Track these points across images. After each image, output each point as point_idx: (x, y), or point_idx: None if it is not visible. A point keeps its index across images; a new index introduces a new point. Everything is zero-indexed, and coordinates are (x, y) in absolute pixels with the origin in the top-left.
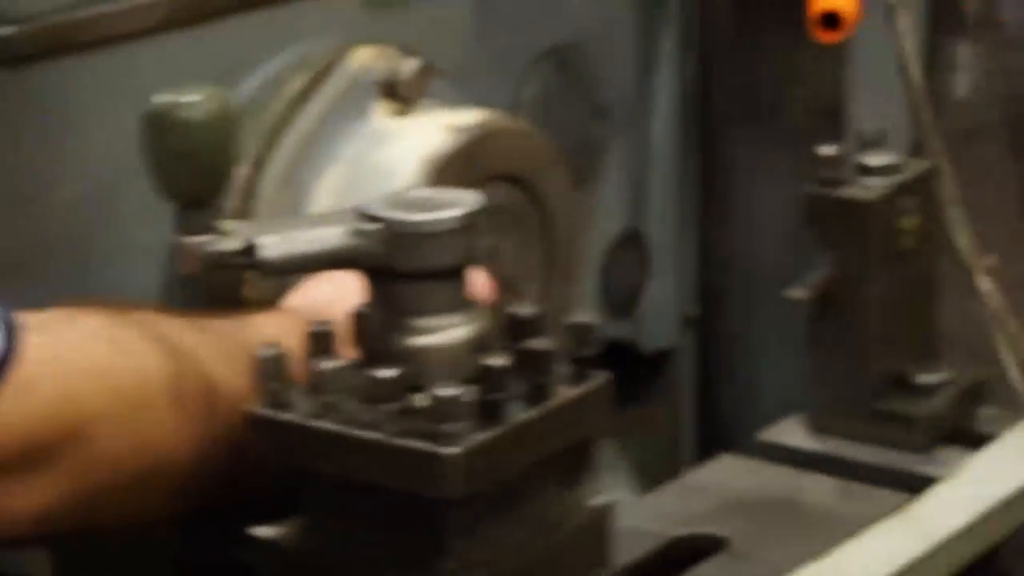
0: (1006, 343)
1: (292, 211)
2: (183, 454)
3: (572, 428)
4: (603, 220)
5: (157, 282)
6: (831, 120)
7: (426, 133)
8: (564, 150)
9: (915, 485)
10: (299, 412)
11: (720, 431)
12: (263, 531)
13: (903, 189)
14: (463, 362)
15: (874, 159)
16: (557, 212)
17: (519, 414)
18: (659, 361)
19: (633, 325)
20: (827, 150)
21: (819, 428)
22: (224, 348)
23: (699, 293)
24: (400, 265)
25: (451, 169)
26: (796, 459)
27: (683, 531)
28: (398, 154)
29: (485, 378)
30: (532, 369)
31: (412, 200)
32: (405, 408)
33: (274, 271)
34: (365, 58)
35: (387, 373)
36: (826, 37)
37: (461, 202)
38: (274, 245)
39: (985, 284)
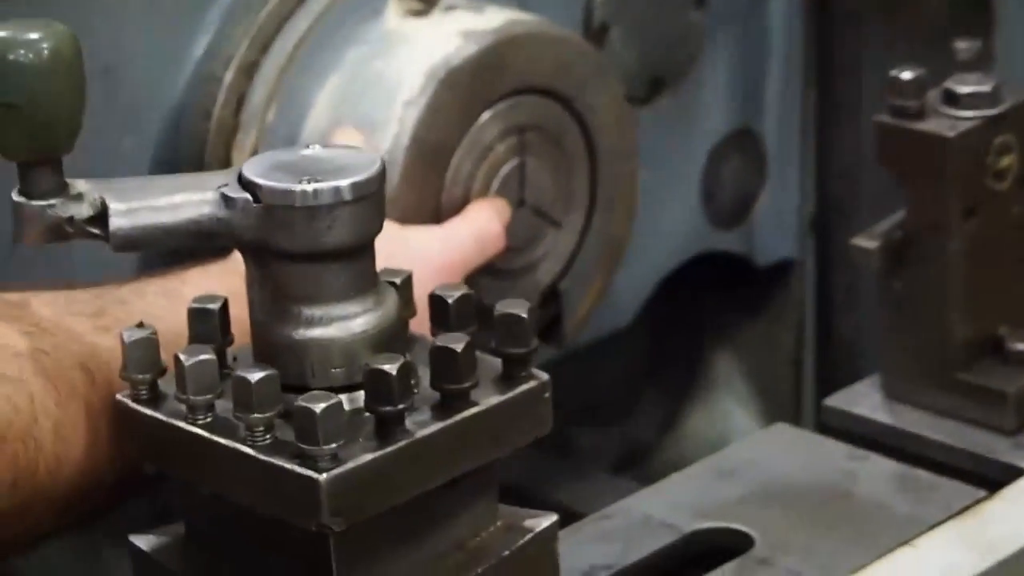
0: None
1: (286, 125)
2: (67, 471)
3: (493, 443)
4: (707, 118)
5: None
6: (977, 14)
7: (439, 39)
8: (658, 40)
9: (996, 475)
10: (166, 409)
11: (842, 357)
12: (140, 539)
13: (997, 123)
14: (360, 361)
15: (964, 85)
16: (602, 130)
17: (419, 429)
18: (777, 274)
19: (745, 235)
20: (905, 71)
21: (895, 396)
22: (109, 322)
23: (818, 203)
24: (278, 244)
25: (465, 81)
26: (862, 431)
27: (705, 524)
28: (404, 63)
29: (372, 384)
30: (442, 371)
31: (299, 162)
32: (286, 413)
33: (124, 245)
34: None
35: (257, 374)
36: None
37: (359, 165)
38: (124, 214)
39: None
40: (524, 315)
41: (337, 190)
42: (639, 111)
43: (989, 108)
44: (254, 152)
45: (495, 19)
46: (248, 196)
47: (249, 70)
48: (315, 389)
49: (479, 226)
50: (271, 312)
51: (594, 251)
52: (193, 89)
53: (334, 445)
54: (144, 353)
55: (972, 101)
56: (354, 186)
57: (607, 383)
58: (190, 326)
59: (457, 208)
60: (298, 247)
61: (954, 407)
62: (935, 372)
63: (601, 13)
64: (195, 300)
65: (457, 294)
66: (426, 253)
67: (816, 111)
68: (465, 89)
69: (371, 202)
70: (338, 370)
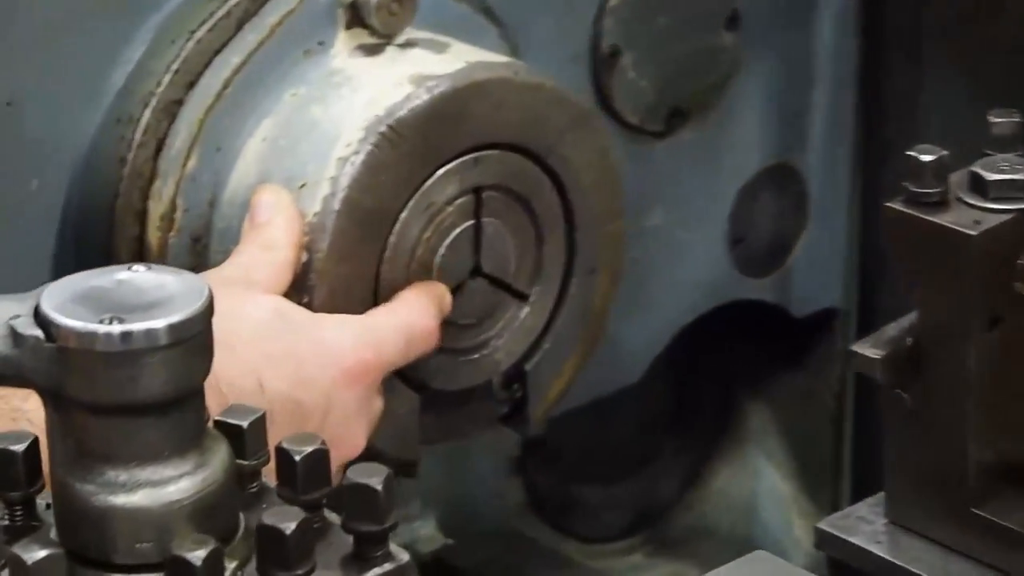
0: None
1: (210, 174)
2: None
3: None
4: (737, 153)
5: None
6: None
7: (387, 83)
8: (679, 67)
9: None
10: None
11: None
12: None
13: None
14: (175, 535)
15: (994, 170)
16: (581, 189)
17: None
18: (818, 323)
19: (780, 283)
20: (924, 153)
21: (900, 523)
22: None
23: (863, 245)
24: (74, 393)
25: (413, 136)
26: (858, 563)
27: None
28: (343, 110)
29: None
30: (269, 555)
31: (113, 290)
32: None
33: None
34: None
35: (38, 553)
36: None
37: (183, 299)
38: None
39: None
40: (377, 487)
41: (149, 333)
42: (655, 145)
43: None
44: (172, 205)
45: (456, 61)
46: (40, 334)
47: (170, 109)
48: (118, 567)
49: (407, 319)
50: (72, 470)
51: (569, 325)
52: (107, 129)
53: None
54: None
55: (1003, 190)
56: (171, 328)
57: (622, 434)
58: None
59: (401, 284)
60: (98, 399)
61: (967, 545)
62: (947, 502)
63: (611, 36)
64: None
65: (308, 449)
66: (337, 348)
67: (864, 146)
68: (413, 145)
69: (193, 346)
70: (146, 545)
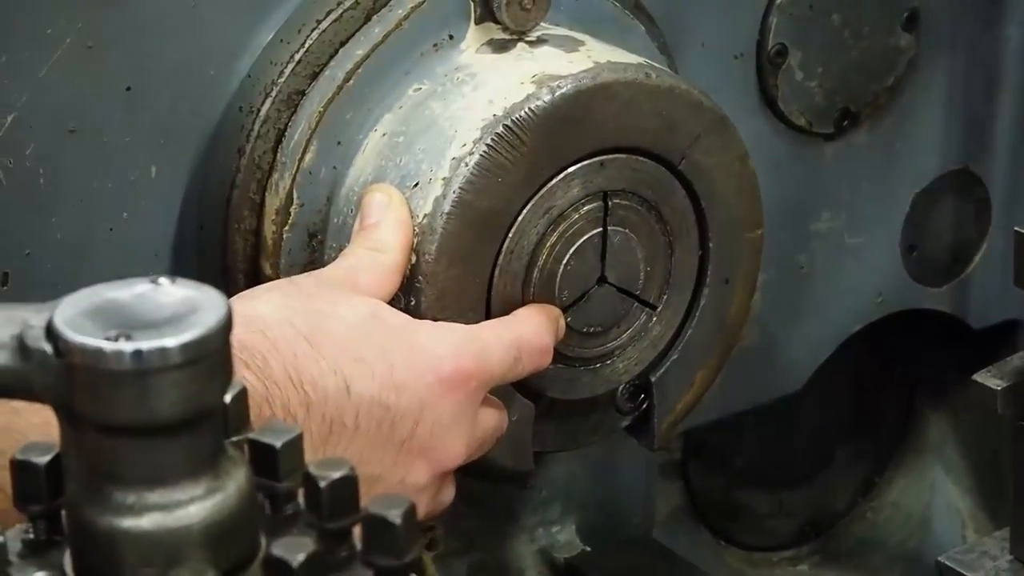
0: None
1: (327, 170)
2: None
3: None
4: (914, 157)
5: None
6: None
7: (510, 82)
8: (850, 67)
9: None
10: None
11: None
12: None
13: None
14: (180, 561)
15: None
16: (716, 197)
17: None
18: (1003, 333)
19: (959, 292)
20: None
21: None
22: None
23: None
24: (82, 411)
25: (533, 137)
26: None
27: None
28: (462, 108)
29: None
30: None
31: (129, 304)
32: None
33: None
34: None
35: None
36: None
37: (202, 315)
38: None
39: None
40: (396, 521)
41: (157, 351)
42: (824, 148)
43: None
44: (288, 198)
45: (585, 61)
46: (48, 348)
47: (292, 100)
48: None
49: (519, 332)
50: (82, 489)
51: (700, 336)
52: (229, 118)
53: None
54: None
55: None
56: (184, 347)
57: (796, 441)
58: (13, 482)
59: (518, 291)
60: (105, 418)
61: None
62: None
63: (778, 35)
64: (21, 450)
65: (335, 475)
66: (433, 354)
67: None
68: (532, 146)
69: (208, 366)
70: (153, 570)
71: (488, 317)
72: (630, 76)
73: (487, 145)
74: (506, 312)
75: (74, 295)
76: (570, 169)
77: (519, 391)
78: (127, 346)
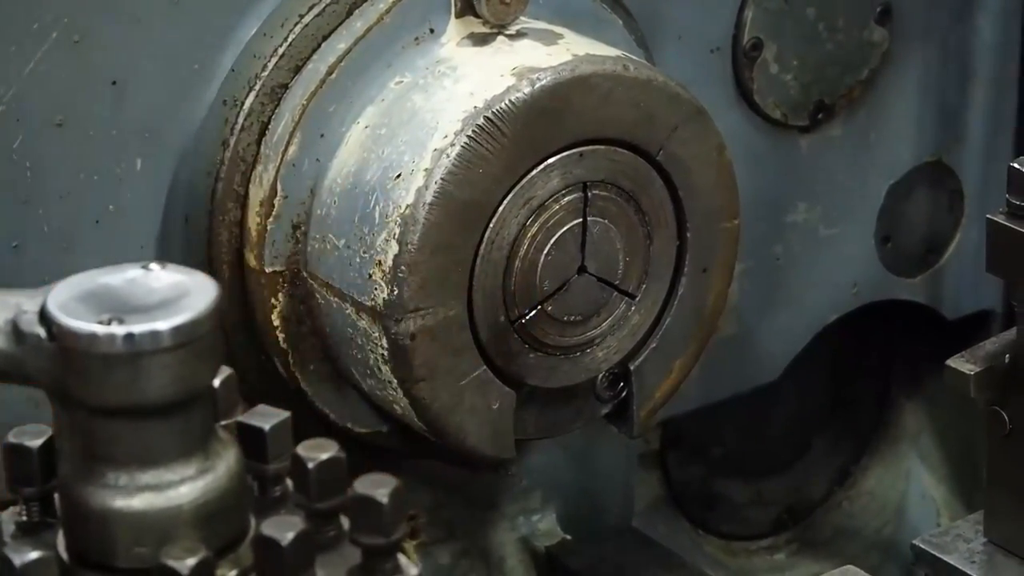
0: None
1: (310, 162)
2: None
3: None
4: (889, 149)
5: None
6: None
7: (490, 74)
8: (825, 60)
9: None
10: None
11: None
12: None
13: None
14: (171, 539)
15: None
16: (693, 188)
17: None
18: (978, 323)
19: (932, 282)
20: None
21: (998, 542)
22: None
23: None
24: (75, 393)
25: (512, 129)
26: None
27: None
28: (443, 100)
29: None
30: (268, 567)
31: (120, 289)
32: None
33: None
34: None
35: (30, 555)
36: None
37: (191, 299)
38: None
39: None
40: (383, 500)
41: (148, 334)
42: (799, 140)
43: None
44: (272, 190)
45: (565, 53)
46: (42, 332)
47: (275, 93)
48: (119, 571)
49: None
50: (75, 470)
51: (679, 324)
52: (213, 112)
53: None
54: None
55: None
56: (175, 331)
57: (773, 431)
58: (6, 465)
59: (498, 281)
60: (97, 400)
61: None
62: None
63: (754, 28)
64: (13, 433)
65: (323, 456)
66: None
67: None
68: (512, 138)
69: (198, 348)
70: (145, 549)
71: (470, 306)
72: (608, 68)
73: (468, 136)
74: (487, 301)
75: (67, 280)
76: (550, 160)
77: (500, 379)
78: (119, 329)
